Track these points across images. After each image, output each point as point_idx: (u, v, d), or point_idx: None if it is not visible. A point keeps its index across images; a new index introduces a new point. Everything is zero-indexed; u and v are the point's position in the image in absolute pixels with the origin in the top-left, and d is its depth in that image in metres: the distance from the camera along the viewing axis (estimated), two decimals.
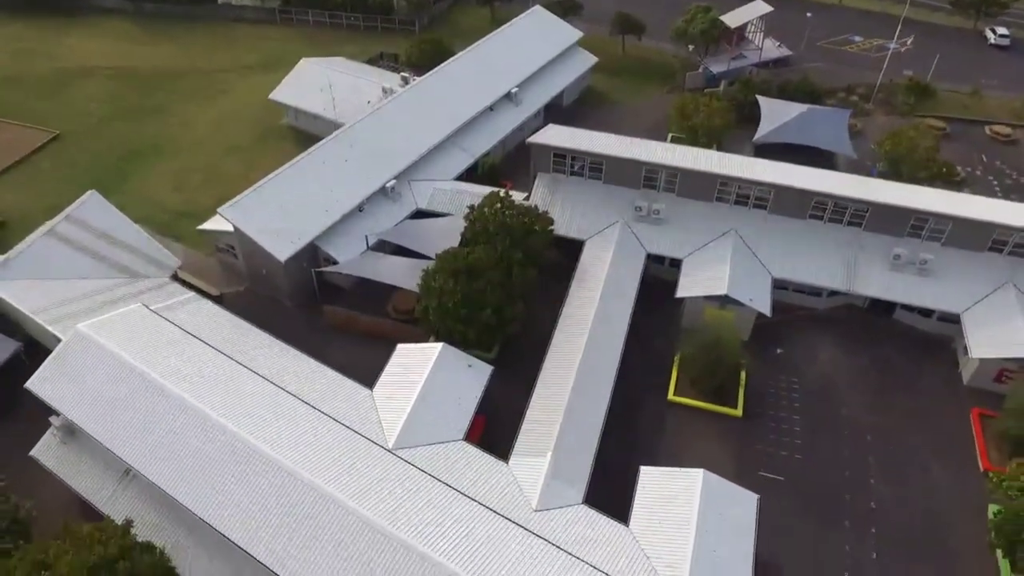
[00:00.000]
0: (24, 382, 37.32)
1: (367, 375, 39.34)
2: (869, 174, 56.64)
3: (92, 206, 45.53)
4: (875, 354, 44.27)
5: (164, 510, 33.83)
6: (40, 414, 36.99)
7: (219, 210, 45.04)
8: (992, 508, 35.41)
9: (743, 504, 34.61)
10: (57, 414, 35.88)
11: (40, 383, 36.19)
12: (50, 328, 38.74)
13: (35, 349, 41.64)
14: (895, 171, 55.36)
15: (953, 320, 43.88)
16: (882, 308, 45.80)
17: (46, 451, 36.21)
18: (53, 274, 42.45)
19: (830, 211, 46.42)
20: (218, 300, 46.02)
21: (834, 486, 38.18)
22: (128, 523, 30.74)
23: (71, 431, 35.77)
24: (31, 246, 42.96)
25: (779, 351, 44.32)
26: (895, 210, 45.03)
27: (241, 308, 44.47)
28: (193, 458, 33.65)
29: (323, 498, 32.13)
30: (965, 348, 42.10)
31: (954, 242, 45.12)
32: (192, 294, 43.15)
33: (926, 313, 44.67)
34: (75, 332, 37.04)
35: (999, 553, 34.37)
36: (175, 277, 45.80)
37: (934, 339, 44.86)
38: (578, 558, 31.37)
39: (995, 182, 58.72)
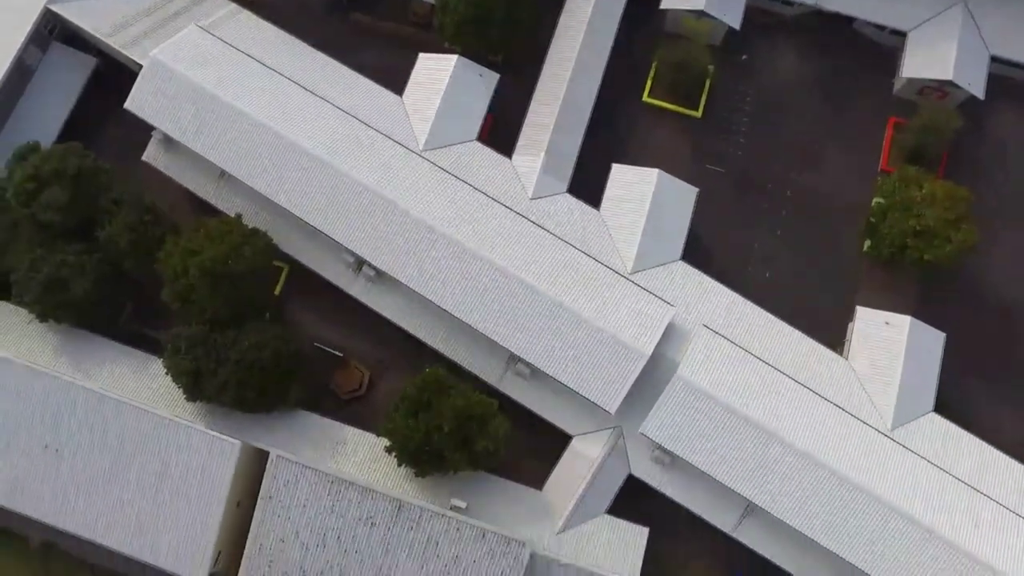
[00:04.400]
0: (109, 91, 46.87)
1: (394, 79, 47.65)
2: None
3: None
4: (828, 63, 51.33)
5: (254, 200, 45.50)
6: (131, 123, 46.05)
7: None
8: (875, 200, 46.86)
9: (685, 195, 46.16)
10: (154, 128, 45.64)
11: (135, 104, 45.11)
12: (127, 53, 46.58)
13: (109, 60, 49.43)
14: None
15: (903, 35, 49.92)
16: (845, 17, 51.24)
17: (154, 157, 46.63)
18: None
19: None
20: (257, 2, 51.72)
21: (762, 177, 49.21)
22: (239, 216, 42.94)
23: (170, 141, 45.75)
24: None
25: (744, 57, 51.47)
26: None
27: (276, 14, 50.24)
28: (270, 161, 44.12)
29: (367, 193, 43.41)
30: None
31: None
32: (233, 6, 49.12)
33: (881, 26, 50.49)
34: (151, 60, 44.86)
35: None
36: None
37: (885, 50, 51.25)
38: (561, 239, 43.96)
39: None
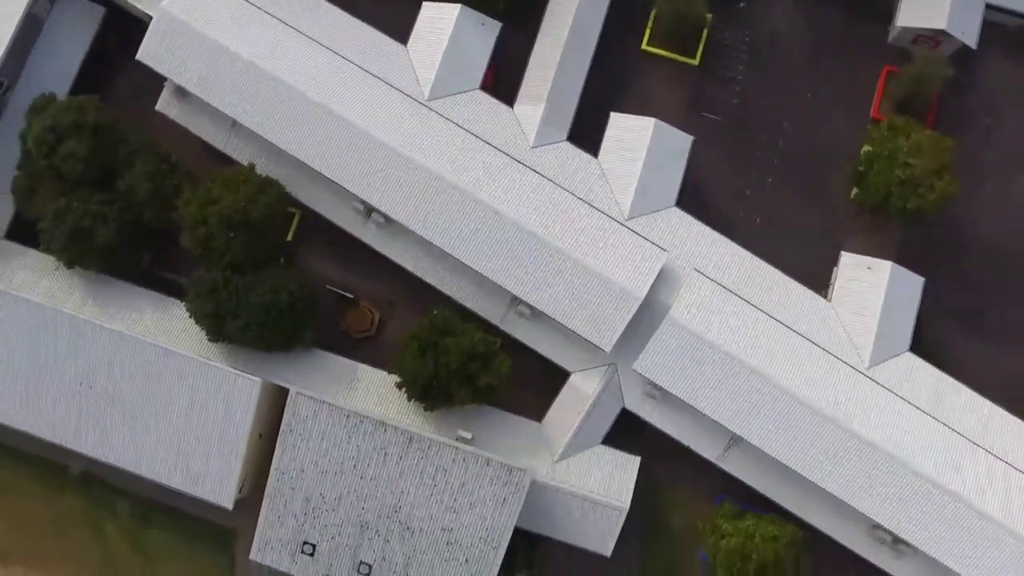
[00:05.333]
0: (120, 40, 48.67)
1: (399, 29, 48.54)
2: None
3: None
4: (825, 11, 51.40)
5: (265, 148, 47.03)
6: (143, 73, 47.22)
7: None
8: (864, 148, 48.36)
9: (681, 144, 47.64)
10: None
11: (147, 55, 46.26)
12: (136, 4, 47.77)
13: (118, 9, 50.39)
14: None
15: None
16: None
17: (167, 107, 48.02)
18: None
19: None
20: None
21: (756, 125, 50.57)
22: (252, 165, 44.81)
23: (182, 91, 47.10)
24: None
25: (742, 4, 52.09)
26: None
27: None
28: (279, 111, 45.57)
29: (375, 142, 45.09)
30: None
31: None
32: None
33: None
34: (161, 12, 45.75)
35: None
36: None
37: None
38: (561, 186, 45.90)
39: None
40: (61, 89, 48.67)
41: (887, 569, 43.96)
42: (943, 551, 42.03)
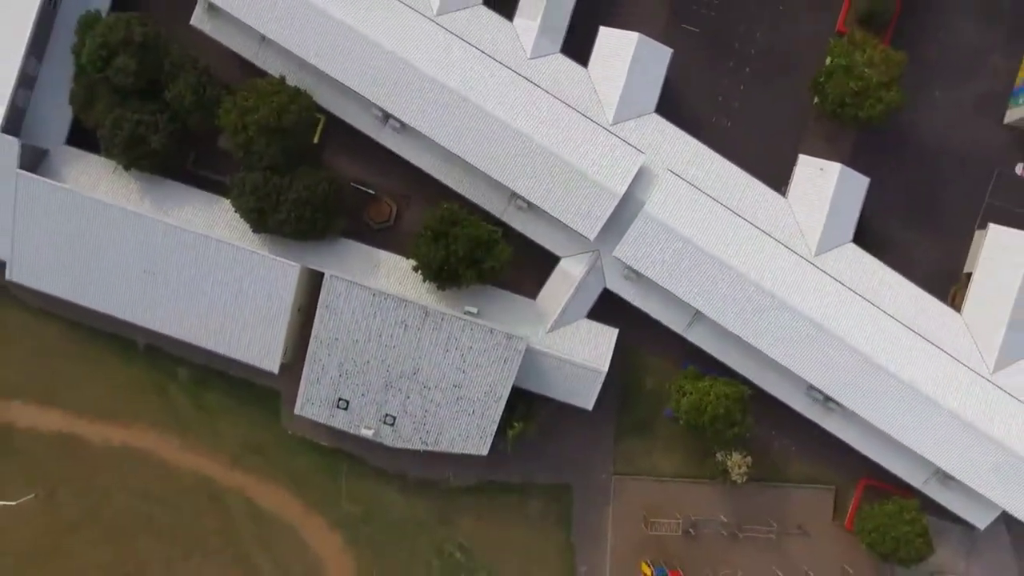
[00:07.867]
0: None
1: None
2: None
3: None
4: None
5: (292, 60, 52.49)
6: None
7: None
8: (828, 60, 53.55)
9: (661, 56, 52.99)
10: None
11: None
12: None
13: None
14: None
15: None
16: None
17: (201, 21, 52.95)
18: None
19: None
20: None
21: (731, 36, 55.72)
22: (282, 77, 50.72)
23: (215, 8, 52.10)
24: None
25: None
26: None
27: None
28: (304, 27, 50.80)
29: (390, 56, 50.71)
30: None
31: None
32: None
33: None
34: None
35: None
36: None
37: None
38: (553, 95, 51.76)
39: None
40: (102, 5, 53.40)
41: (818, 422, 53.21)
42: (866, 409, 50.83)
